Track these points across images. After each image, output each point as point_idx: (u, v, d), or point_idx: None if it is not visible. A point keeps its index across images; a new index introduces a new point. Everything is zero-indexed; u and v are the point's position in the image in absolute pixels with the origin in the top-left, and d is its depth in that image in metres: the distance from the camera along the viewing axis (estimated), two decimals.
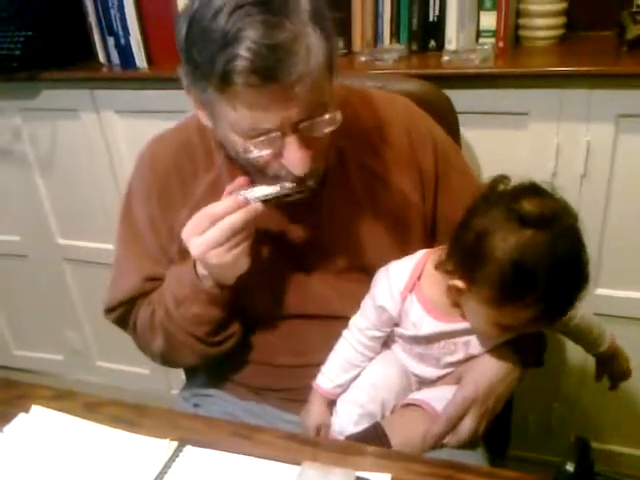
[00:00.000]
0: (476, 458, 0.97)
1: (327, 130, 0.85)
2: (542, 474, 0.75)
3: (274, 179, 0.90)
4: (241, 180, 0.92)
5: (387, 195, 1.02)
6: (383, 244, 1.01)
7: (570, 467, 0.56)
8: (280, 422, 1.07)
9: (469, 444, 0.96)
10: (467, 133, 1.44)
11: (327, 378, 1.01)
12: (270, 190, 0.90)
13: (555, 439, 1.72)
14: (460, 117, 1.33)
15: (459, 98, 1.34)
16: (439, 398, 0.96)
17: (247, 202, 0.89)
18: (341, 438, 0.97)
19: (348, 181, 1.01)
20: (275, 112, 0.80)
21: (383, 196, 1.02)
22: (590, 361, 1.61)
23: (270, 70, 0.75)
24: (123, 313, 1.09)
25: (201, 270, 0.96)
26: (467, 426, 0.94)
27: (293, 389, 1.07)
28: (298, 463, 0.81)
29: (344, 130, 0.89)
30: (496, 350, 0.96)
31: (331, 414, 1.00)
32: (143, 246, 1.05)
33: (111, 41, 1.73)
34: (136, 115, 1.71)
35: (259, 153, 0.85)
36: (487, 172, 1.49)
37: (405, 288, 0.94)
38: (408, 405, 0.98)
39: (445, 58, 1.46)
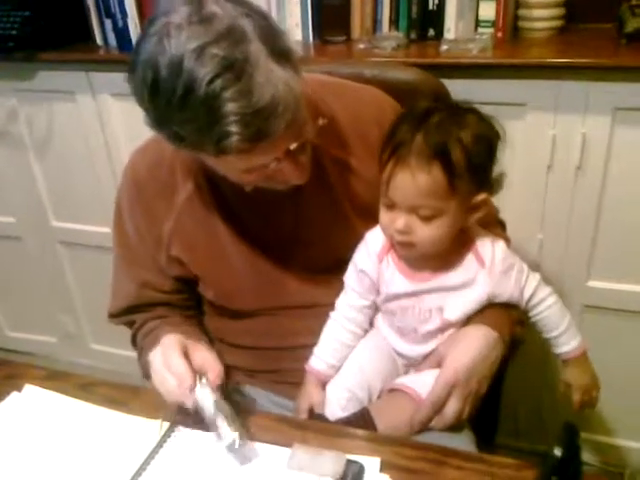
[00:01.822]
0: (464, 442, 0.98)
1: (313, 134, 0.89)
2: (531, 462, 0.77)
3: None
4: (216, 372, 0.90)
5: (362, 188, 1.03)
6: (361, 236, 1.03)
7: (558, 452, 0.57)
8: (270, 404, 1.09)
9: (455, 427, 0.97)
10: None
11: (319, 359, 1.03)
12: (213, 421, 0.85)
13: (545, 429, 1.74)
14: None
15: (456, 88, 1.32)
16: (423, 383, 0.97)
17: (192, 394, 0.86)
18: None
19: (324, 176, 1.03)
20: (268, 153, 0.84)
21: (358, 189, 1.04)
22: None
23: (259, 133, 0.78)
24: (126, 321, 1.14)
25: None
26: (451, 409, 0.95)
27: (281, 370, 1.09)
28: (289, 446, 0.82)
29: (321, 130, 0.92)
30: (473, 329, 0.98)
31: (324, 397, 1.01)
32: (134, 255, 1.09)
33: (108, 23, 1.72)
34: (132, 98, 1.69)
35: (254, 179, 0.89)
36: None
37: (381, 250, 0.98)
38: (394, 390, 1.00)
39: (443, 47, 1.46)
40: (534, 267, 1.59)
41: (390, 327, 1.03)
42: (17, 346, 2.40)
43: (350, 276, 1.02)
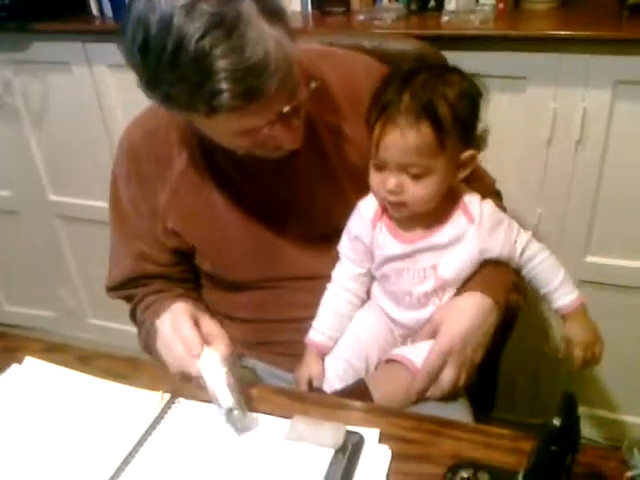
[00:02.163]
0: (460, 411, 0.99)
1: (305, 96, 0.90)
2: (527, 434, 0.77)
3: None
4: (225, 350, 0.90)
5: (356, 155, 1.03)
6: (355, 204, 1.03)
7: (557, 422, 0.57)
8: (269, 377, 1.10)
9: (452, 395, 0.98)
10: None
11: (318, 331, 1.04)
12: (217, 393, 0.84)
13: (542, 402, 1.76)
14: None
15: (457, 60, 1.28)
16: (419, 353, 0.98)
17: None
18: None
19: (319, 144, 1.03)
20: (261, 115, 0.84)
21: (352, 157, 1.04)
22: None
23: (251, 90, 0.78)
24: (123, 295, 1.14)
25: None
26: (447, 377, 0.96)
27: (281, 342, 1.10)
28: (289, 417, 0.83)
29: (313, 96, 0.93)
30: (467, 297, 0.98)
31: (323, 369, 1.02)
32: (131, 227, 1.09)
33: None
34: (128, 69, 1.67)
35: (246, 144, 0.89)
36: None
37: (374, 216, 1.00)
38: (390, 361, 1.01)
39: (444, 18, 1.44)
40: None
41: (385, 295, 1.04)
42: (15, 320, 2.40)
43: (344, 244, 1.04)
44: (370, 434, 0.80)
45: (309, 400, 0.91)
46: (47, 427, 0.87)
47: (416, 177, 0.91)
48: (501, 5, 1.51)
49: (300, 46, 0.88)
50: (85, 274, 2.20)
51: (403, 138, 0.88)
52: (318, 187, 1.04)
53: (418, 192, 0.92)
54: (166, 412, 0.86)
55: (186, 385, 0.90)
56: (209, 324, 0.91)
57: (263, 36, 0.78)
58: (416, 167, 0.90)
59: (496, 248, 0.98)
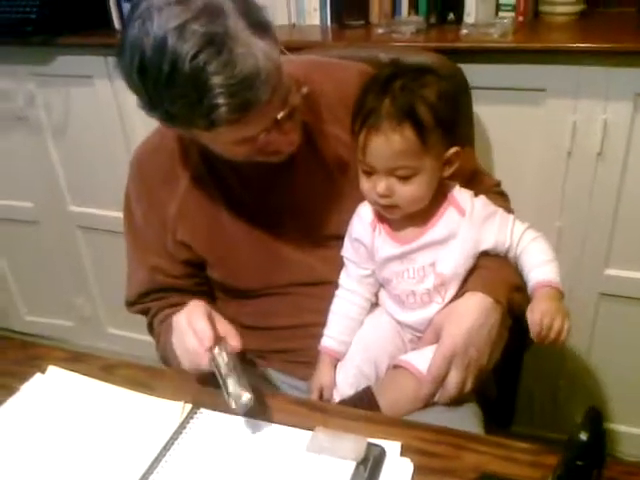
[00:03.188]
0: (469, 416, 1.00)
1: (298, 101, 0.93)
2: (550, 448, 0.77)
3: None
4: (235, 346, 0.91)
5: (354, 161, 1.03)
6: (354, 203, 1.05)
7: (584, 436, 0.57)
8: (284, 386, 1.12)
9: (460, 400, 0.98)
10: (481, 109, 1.43)
11: (329, 337, 1.06)
12: (230, 386, 0.84)
13: (560, 417, 1.74)
14: (475, 92, 1.34)
15: (476, 73, 1.34)
16: (424, 359, 0.98)
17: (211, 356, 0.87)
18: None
19: (318, 152, 1.06)
20: (257, 124, 0.88)
21: (351, 163, 1.04)
22: (597, 338, 1.64)
23: (246, 103, 0.83)
24: (141, 309, 1.17)
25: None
26: (453, 381, 0.96)
27: (293, 350, 1.11)
28: (309, 429, 0.83)
29: (309, 105, 0.99)
30: (467, 298, 0.98)
31: (334, 378, 1.04)
32: (144, 241, 1.13)
33: (127, 7, 1.71)
34: None
35: (245, 151, 0.93)
36: (500, 149, 1.51)
37: (374, 220, 1.02)
38: (396, 367, 1.01)
39: (464, 31, 1.44)
40: None
41: (390, 298, 1.05)
42: (35, 330, 2.41)
43: (346, 248, 1.06)
44: (392, 447, 0.80)
45: (330, 411, 0.91)
46: (70, 437, 0.87)
47: (404, 179, 0.93)
48: (520, 18, 1.51)
49: (297, 58, 0.94)
50: (104, 284, 2.22)
51: (388, 143, 0.90)
52: (317, 193, 1.07)
53: (408, 193, 0.94)
54: (188, 422, 0.87)
55: (207, 396, 0.90)
56: (222, 322, 0.93)
57: (251, 49, 0.82)
58: (403, 169, 0.92)
59: (490, 238, 0.99)
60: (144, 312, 1.16)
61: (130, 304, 1.17)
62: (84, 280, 2.24)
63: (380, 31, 1.54)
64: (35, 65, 1.83)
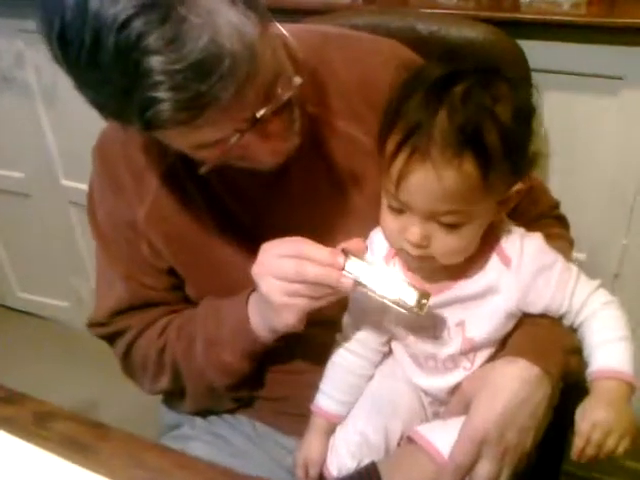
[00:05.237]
0: None
1: (286, 97, 0.69)
2: None
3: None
4: (360, 244, 0.76)
5: (373, 167, 0.81)
6: (370, 225, 0.85)
7: None
8: (274, 446, 0.96)
9: None
10: (542, 96, 1.20)
11: (326, 395, 0.85)
12: (386, 294, 0.72)
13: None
14: (535, 76, 1.13)
15: (537, 52, 1.14)
16: (447, 437, 0.76)
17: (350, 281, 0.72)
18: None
19: (324, 154, 0.86)
20: (220, 126, 0.65)
21: (367, 173, 0.85)
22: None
23: (199, 98, 0.59)
24: (118, 328, 0.96)
25: (255, 318, 0.83)
26: (484, 472, 0.74)
27: (283, 398, 0.94)
28: None
29: (316, 94, 0.81)
30: (506, 365, 0.76)
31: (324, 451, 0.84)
32: (113, 250, 0.94)
33: None
34: None
35: (213, 157, 0.71)
36: (563, 145, 1.29)
37: (387, 253, 0.82)
38: (411, 441, 0.80)
39: (525, 0, 1.22)
40: (613, 276, 1.35)
41: (406, 354, 0.84)
42: (30, 308, 2.32)
43: None
44: None
45: None
46: None
47: (450, 227, 0.71)
48: None
49: (297, 29, 0.71)
50: None
51: (439, 178, 0.66)
52: (321, 208, 0.87)
53: (450, 245, 0.72)
54: None
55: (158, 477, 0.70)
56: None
57: (213, 19, 0.58)
58: (452, 215, 0.70)
59: (541, 300, 0.77)
60: (119, 333, 0.95)
61: (99, 325, 0.96)
62: (80, 260, 2.10)
63: None
64: (22, 19, 1.64)
